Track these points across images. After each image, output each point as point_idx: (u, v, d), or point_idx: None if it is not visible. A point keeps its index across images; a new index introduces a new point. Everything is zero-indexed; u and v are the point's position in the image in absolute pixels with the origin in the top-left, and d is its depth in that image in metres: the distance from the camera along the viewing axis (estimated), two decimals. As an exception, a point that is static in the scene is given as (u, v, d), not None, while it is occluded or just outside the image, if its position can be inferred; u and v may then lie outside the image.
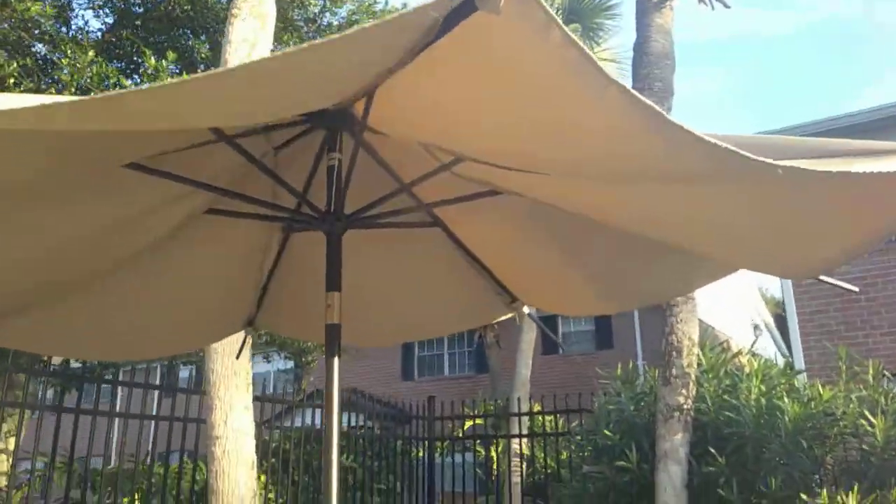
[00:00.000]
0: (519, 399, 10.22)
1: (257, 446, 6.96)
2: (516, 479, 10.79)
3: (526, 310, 3.72)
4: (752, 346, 7.37)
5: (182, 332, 3.54)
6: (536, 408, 9.88)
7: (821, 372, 8.01)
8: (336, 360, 2.63)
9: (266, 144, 2.85)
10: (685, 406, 5.98)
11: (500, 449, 10.86)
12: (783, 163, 1.43)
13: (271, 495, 7.73)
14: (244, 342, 3.87)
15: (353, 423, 8.62)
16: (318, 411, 8.51)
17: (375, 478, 9.06)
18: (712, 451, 5.71)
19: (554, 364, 17.74)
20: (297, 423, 8.27)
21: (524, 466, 10.17)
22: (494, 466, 10.81)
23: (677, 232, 2.48)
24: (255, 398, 7.17)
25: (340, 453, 8.83)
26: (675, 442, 5.94)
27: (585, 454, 7.14)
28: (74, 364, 8.87)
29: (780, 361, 6.93)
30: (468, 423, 10.72)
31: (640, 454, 6.18)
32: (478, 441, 10.92)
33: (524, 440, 9.82)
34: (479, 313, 3.69)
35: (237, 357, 4.58)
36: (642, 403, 6.73)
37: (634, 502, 6.25)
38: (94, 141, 2.16)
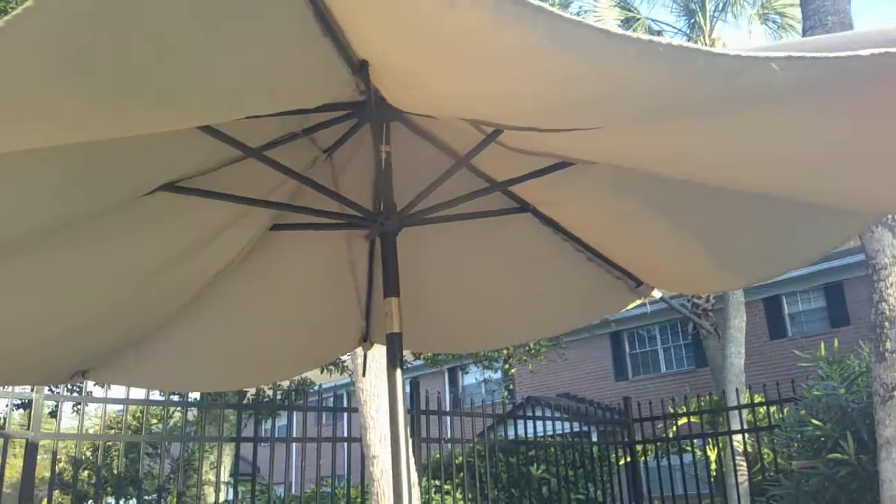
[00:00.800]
0: (724, 392, 9.39)
1: (451, 461, 6.89)
2: (741, 478, 9.90)
3: (657, 293, 3.28)
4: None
5: (290, 354, 3.44)
6: (749, 398, 9.01)
7: None
8: (398, 371, 2.37)
9: (315, 148, 2.66)
10: (906, 384, 5.11)
11: (718, 447, 10.01)
12: (778, 54, 1.00)
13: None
14: (365, 360, 3.70)
15: (554, 431, 8.25)
16: (528, 422, 8.45)
17: (572, 487, 8.63)
18: (944, 434, 4.83)
19: (784, 349, 16.28)
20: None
21: (749, 465, 9.28)
22: (713, 467, 9.94)
23: (769, 178, 1.99)
24: (435, 412, 7.08)
25: (531, 463, 8.54)
26: (898, 427, 5.09)
27: (799, 447, 6.37)
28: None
29: None
30: (681, 422, 9.96)
31: (857, 443, 5.40)
32: (687, 441, 10.08)
33: (746, 436, 9.03)
34: (599, 303, 3.28)
35: (363, 375, 4.43)
36: (856, 385, 5.88)
37: (856, 499, 5.44)
38: (109, 167, 2.08)
